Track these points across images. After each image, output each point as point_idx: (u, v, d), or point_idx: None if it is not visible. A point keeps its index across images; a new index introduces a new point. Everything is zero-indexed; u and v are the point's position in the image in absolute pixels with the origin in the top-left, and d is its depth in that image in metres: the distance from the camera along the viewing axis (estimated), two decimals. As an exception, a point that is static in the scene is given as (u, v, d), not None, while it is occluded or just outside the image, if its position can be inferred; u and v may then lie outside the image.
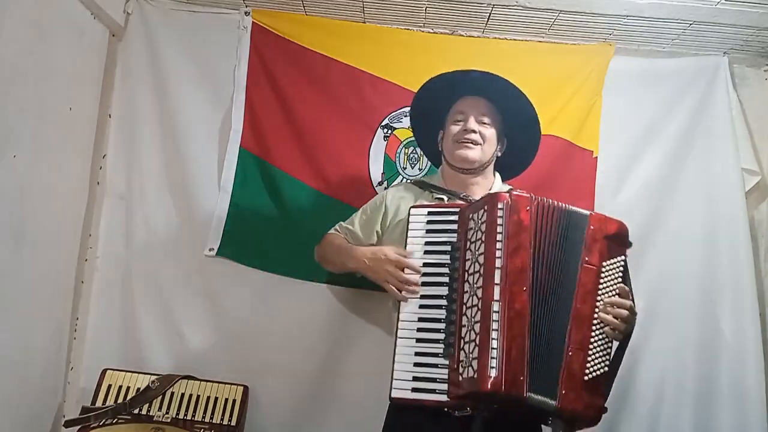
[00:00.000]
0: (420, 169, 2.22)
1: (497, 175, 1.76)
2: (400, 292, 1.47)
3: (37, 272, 1.86)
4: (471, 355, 1.31)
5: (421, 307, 1.44)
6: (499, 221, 1.36)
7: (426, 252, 1.48)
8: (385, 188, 2.19)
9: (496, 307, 1.31)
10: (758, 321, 2.12)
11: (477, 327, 1.32)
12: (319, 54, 2.22)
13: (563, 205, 1.45)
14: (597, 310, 1.38)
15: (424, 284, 1.45)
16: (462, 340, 1.35)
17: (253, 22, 2.22)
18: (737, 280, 2.14)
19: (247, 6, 2.22)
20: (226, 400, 1.97)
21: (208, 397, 1.97)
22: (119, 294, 2.17)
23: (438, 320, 1.40)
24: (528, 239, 1.36)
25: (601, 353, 1.37)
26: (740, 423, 2.06)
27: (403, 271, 1.48)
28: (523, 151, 1.79)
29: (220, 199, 2.17)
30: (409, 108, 2.21)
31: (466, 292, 1.38)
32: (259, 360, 2.13)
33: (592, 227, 1.42)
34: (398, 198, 1.74)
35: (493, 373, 1.26)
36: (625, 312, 1.41)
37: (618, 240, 1.46)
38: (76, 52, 1.97)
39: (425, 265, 1.48)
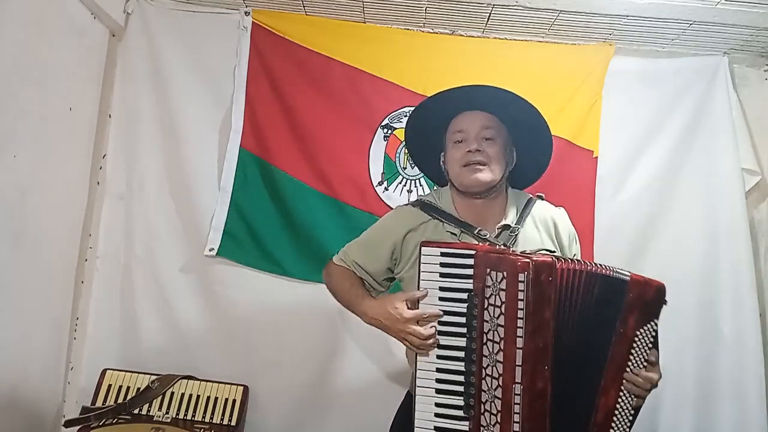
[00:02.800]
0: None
1: (510, 190, 1.59)
2: (420, 348, 1.37)
3: (37, 272, 1.86)
4: (492, 429, 1.27)
5: (439, 357, 1.36)
6: (520, 295, 1.25)
7: (441, 298, 1.37)
8: (385, 189, 2.20)
9: (517, 389, 1.24)
10: (758, 321, 2.12)
11: (497, 403, 1.26)
12: (319, 54, 2.22)
13: (599, 268, 1.32)
14: (624, 381, 1.30)
15: (440, 333, 1.36)
16: (483, 406, 1.29)
17: (253, 22, 2.22)
18: (737, 280, 2.14)
19: (247, 6, 2.22)
20: (226, 400, 1.97)
21: (208, 397, 1.97)
22: (119, 294, 2.17)
23: (457, 373, 1.34)
24: (550, 314, 1.25)
25: (622, 425, 1.31)
26: (740, 423, 2.06)
27: (420, 323, 1.37)
28: (536, 161, 1.62)
29: (220, 199, 2.17)
30: (408, 108, 2.21)
31: (486, 356, 1.31)
32: (259, 360, 2.13)
33: (631, 294, 1.31)
34: (407, 229, 1.55)
35: None
36: (649, 385, 1.32)
37: (655, 303, 1.34)
38: (76, 52, 1.97)
39: (441, 311, 1.38)
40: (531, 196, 1.61)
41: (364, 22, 2.27)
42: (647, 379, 1.31)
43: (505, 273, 1.28)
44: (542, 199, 1.62)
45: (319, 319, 2.15)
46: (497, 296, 1.29)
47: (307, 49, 2.22)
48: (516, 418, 1.24)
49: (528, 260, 1.26)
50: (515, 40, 2.27)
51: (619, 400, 1.31)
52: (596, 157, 2.20)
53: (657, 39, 2.22)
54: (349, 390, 2.14)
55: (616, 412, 1.30)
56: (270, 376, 2.12)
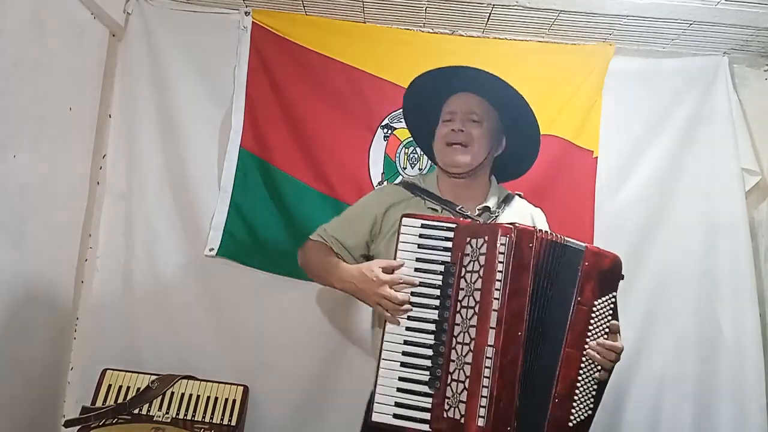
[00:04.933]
0: (420, 169, 2.22)
1: (493, 179, 1.64)
2: (392, 313, 1.35)
3: (37, 272, 1.86)
4: (458, 396, 1.24)
5: (408, 329, 1.33)
6: (500, 258, 1.26)
7: (417, 269, 1.36)
8: (385, 188, 2.20)
9: (489, 352, 1.23)
10: (758, 321, 2.12)
11: (467, 369, 1.25)
12: (319, 54, 2.22)
13: (560, 237, 1.34)
14: (585, 351, 1.31)
15: (412, 304, 1.34)
16: (450, 376, 1.27)
17: (253, 22, 2.22)
18: (737, 280, 2.14)
19: (247, 6, 2.22)
20: (226, 400, 1.97)
21: (208, 397, 1.97)
22: (119, 294, 2.17)
23: (425, 346, 1.31)
24: (528, 280, 1.27)
25: (586, 398, 1.31)
26: (740, 422, 2.06)
27: (395, 289, 1.35)
28: (521, 155, 1.66)
29: (220, 199, 2.17)
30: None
31: (458, 324, 1.30)
32: (259, 360, 2.13)
33: (586, 263, 1.32)
34: (389, 204, 1.57)
35: (480, 422, 1.21)
36: (613, 355, 1.33)
37: (612, 275, 1.35)
38: (76, 52, 1.97)
39: None
40: (510, 192, 1.66)
41: (364, 22, 2.27)
42: (610, 347, 1.32)
43: (486, 237, 1.30)
44: (521, 198, 1.67)
45: (319, 319, 2.15)
46: (476, 262, 1.30)
47: (307, 49, 2.22)
48: (485, 382, 1.23)
49: (511, 226, 1.30)
50: (515, 40, 2.27)
51: (581, 371, 1.31)
52: (596, 157, 2.20)
53: (657, 39, 2.22)
54: (349, 390, 2.13)
55: (578, 384, 1.30)
56: (270, 376, 2.12)
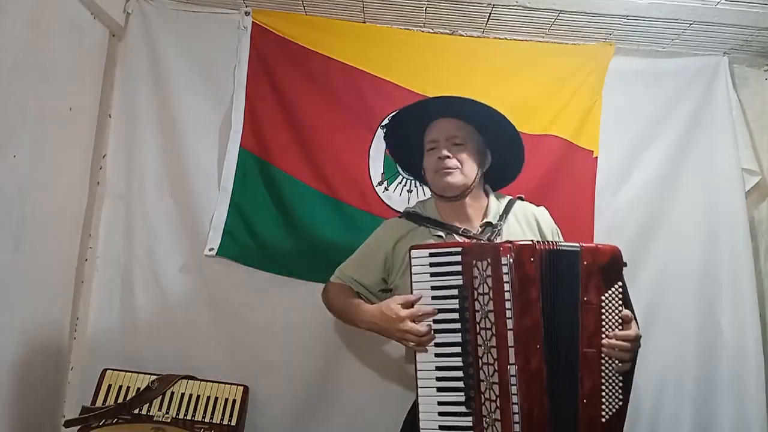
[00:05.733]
0: (420, 169, 2.21)
1: (491, 193, 1.67)
2: (418, 345, 1.40)
3: (37, 272, 1.86)
4: (493, 415, 1.30)
5: (437, 355, 1.39)
6: (505, 278, 1.32)
7: (434, 297, 1.41)
8: (385, 189, 2.20)
9: (512, 371, 1.29)
10: (758, 321, 2.12)
11: (496, 388, 1.30)
12: (319, 54, 2.22)
13: (553, 243, 1.39)
14: (603, 347, 1.34)
15: (436, 331, 1.39)
16: (482, 396, 1.33)
17: (253, 22, 2.22)
18: (737, 281, 2.14)
19: (247, 6, 2.22)
20: (226, 400, 1.97)
21: (208, 397, 1.97)
22: (119, 294, 2.17)
23: (456, 368, 1.37)
24: (536, 293, 1.33)
25: (613, 391, 1.34)
26: (740, 422, 2.07)
27: (415, 321, 1.40)
28: (508, 164, 1.69)
29: (220, 199, 2.17)
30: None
31: (480, 345, 1.35)
32: (259, 360, 2.13)
33: (585, 262, 1.35)
34: (396, 239, 1.63)
35: None
36: (628, 345, 1.36)
37: (613, 267, 1.38)
38: (76, 52, 1.97)
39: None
40: (511, 197, 1.69)
41: (364, 22, 2.26)
42: (624, 337, 1.35)
43: (489, 260, 1.35)
44: (522, 200, 1.70)
45: (319, 319, 2.13)
46: (485, 284, 1.35)
47: (307, 49, 2.22)
48: (514, 399, 1.28)
49: (509, 245, 1.35)
50: (515, 40, 2.27)
51: (603, 368, 1.34)
52: (596, 157, 2.20)
53: (657, 39, 2.22)
54: (349, 390, 2.14)
55: (603, 380, 1.33)
56: (270, 376, 2.12)
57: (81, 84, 2.03)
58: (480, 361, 1.34)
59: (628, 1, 1.98)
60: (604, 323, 1.35)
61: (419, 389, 1.38)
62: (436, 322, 1.40)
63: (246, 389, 2.01)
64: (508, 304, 1.32)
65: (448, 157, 1.57)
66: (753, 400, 2.06)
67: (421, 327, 1.39)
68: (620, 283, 1.38)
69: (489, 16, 2.15)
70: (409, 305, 1.43)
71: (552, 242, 1.40)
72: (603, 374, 1.34)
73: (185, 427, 1.89)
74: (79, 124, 2.04)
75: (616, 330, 1.36)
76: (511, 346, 1.30)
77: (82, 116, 2.05)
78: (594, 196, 2.19)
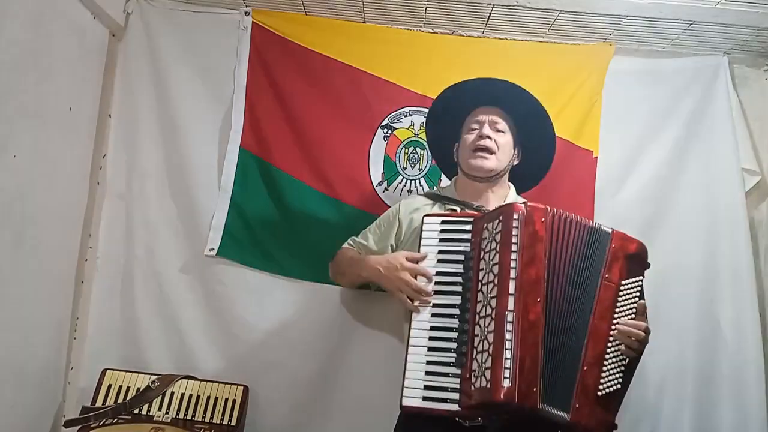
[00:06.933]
0: (420, 169, 2.22)
1: (512, 186, 1.75)
2: (413, 302, 1.45)
3: (37, 272, 1.86)
4: (484, 365, 1.29)
5: (434, 315, 1.42)
6: (514, 231, 1.35)
7: (439, 261, 1.46)
8: (385, 189, 2.20)
9: (509, 317, 1.29)
10: (758, 321, 2.12)
11: (490, 337, 1.30)
12: (319, 54, 2.22)
13: (585, 220, 1.44)
14: (614, 327, 1.37)
15: (436, 293, 1.43)
16: (475, 350, 1.34)
17: (253, 22, 2.22)
18: (737, 281, 2.14)
19: (247, 6, 2.22)
20: (226, 400, 1.97)
21: (208, 397, 1.97)
22: (119, 294, 2.17)
23: (450, 329, 1.38)
24: (543, 250, 1.35)
25: (615, 370, 1.36)
26: (740, 422, 2.06)
27: (416, 278, 1.45)
28: (537, 165, 1.80)
29: (220, 199, 2.17)
30: (408, 108, 2.22)
31: (480, 301, 1.37)
32: (259, 360, 2.13)
33: (613, 245, 1.42)
34: (411, 210, 1.72)
35: (506, 383, 1.25)
36: (641, 333, 1.39)
37: (638, 260, 1.44)
38: (76, 52, 1.97)
39: (438, 274, 1.46)
40: (525, 201, 1.73)
41: (364, 22, 2.26)
42: (636, 325, 1.39)
43: (500, 217, 1.39)
44: None
45: (319, 319, 2.15)
46: (493, 240, 1.39)
47: (307, 49, 2.22)
48: (507, 345, 1.28)
49: (522, 204, 1.41)
50: (515, 40, 2.27)
51: (609, 344, 1.37)
52: (596, 157, 2.20)
53: (657, 39, 2.22)
54: (350, 390, 2.13)
55: (607, 355, 1.36)
56: (270, 376, 2.12)
57: (81, 84, 2.03)
58: (477, 316, 1.36)
59: (628, 1, 1.98)
60: (619, 303, 1.39)
61: (409, 347, 1.40)
62: (438, 284, 1.44)
63: (246, 389, 2.01)
64: (513, 255, 1.34)
65: (489, 137, 1.65)
66: (753, 400, 2.05)
67: (419, 283, 1.44)
68: (641, 278, 1.43)
69: (489, 16, 2.15)
70: (413, 260, 1.49)
71: (583, 218, 1.44)
72: (608, 349, 1.36)
73: (185, 427, 1.89)
74: (79, 124, 2.04)
75: (630, 316, 1.40)
76: (511, 294, 1.31)
77: (82, 116, 2.05)
78: (594, 196, 2.19)
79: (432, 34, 2.27)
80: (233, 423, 1.93)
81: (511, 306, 1.30)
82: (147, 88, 2.21)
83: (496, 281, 1.34)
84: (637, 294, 1.42)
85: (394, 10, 2.16)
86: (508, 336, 1.28)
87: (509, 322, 1.29)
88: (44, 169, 1.84)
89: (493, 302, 1.33)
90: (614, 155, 2.22)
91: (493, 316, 1.31)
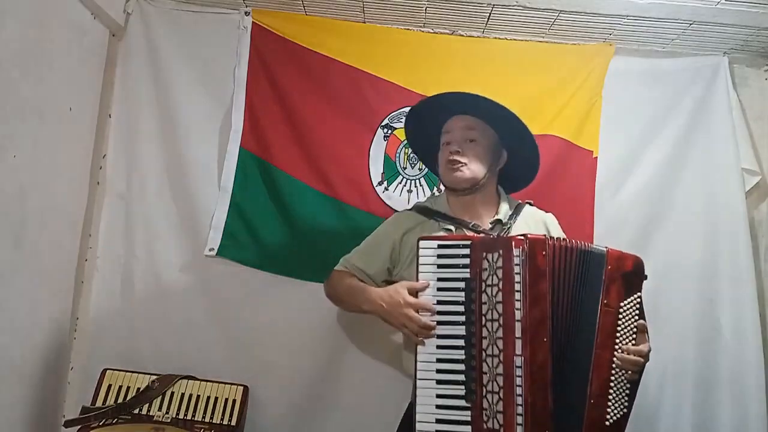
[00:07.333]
0: (420, 169, 2.22)
1: (502, 194, 1.70)
2: (417, 335, 1.42)
3: (37, 272, 1.86)
4: (495, 407, 1.29)
5: (439, 347, 1.39)
6: (516, 269, 1.33)
7: (439, 289, 1.42)
8: (385, 188, 2.20)
9: (518, 362, 1.29)
10: (758, 321, 2.12)
11: (500, 380, 1.30)
12: (319, 54, 2.22)
13: (580, 243, 1.40)
14: (616, 355, 1.36)
15: (439, 323, 1.40)
16: (484, 389, 1.33)
17: (253, 22, 2.22)
18: (737, 280, 2.14)
19: (247, 6, 2.22)
20: (226, 400, 1.97)
21: (208, 397, 1.97)
22: (119, 294, 2.17)
23: (457, 361, 1.37)
24: (546, 287, 1.33)
25: (620, 396, 1.36)
26: (740, 422, 2.06)
27: (418, 312, 1.42)
28: (525, 165, 1.72)
29: (220, 199, 2.17)
30: (408, 108, 2.22)
31: (485, 338, 1.35)
32: (259, 360, 2.13)
33: (609, 266, 1.37)
34: (404, 229, 1.66)
35: (519, 430, 1.26)
36: (642, 360, 1.38)
37: (635, 276, 1.41)
38: (76, 52, 1.97)
39: (439, 302, 1.43)
40: (521, 201, 1.72)
41: (364, 22, 2.26)
42: (637, 352, 1.37)
43: (500, 251, 1.35)
44: (531, 205, 1.73)
45: (319, 319, 2.14)
46: (494, 275, 1.36)
47: (307, 49, 2.22)
48: (518, 390, 1.28)
49: (522, 237, 1.36)
50: (515, 40, 2.27)
51: (613, 372, 1.35)
52: (596, 157, 2.20)
53: (657, 39, 2.22)
54: (350, 390, 2.14)
55: (612, 384, 1.35)
56: (270, 376, 2.12)
57: (81, 84, 2.03)
58: (484, 353, 1.34)
59: (628, 1, 1.98)
60: (619, 328, 1.36)
61: (418, 381, 1.38)
62: (440, 314, 1.41)
63: (246, 389, 2.01)
64: (517, 295, 1.32)
65: (458, 152, 1.60)
66: (753, 399, 2.06)
67: (424, 319, 1.41)
68: (639, 294, 1.39)
69: (489, 16, 2.15)
70: (414, 293, 1.45)
71: (577, 241, 1.40)
72: (612, 377, 1.35)
73: (185, 427, 1.89)
74: (79, 123, 2.04)
75: (631, 338, 1.37)
76: (518, 337, 1.30)
77: (82, 116, 2.05)
78: (594, 196, 2.19)
79: (432, 34, 2.27)
80: (233, 423, 1.93)
81: (518, 350, 1.29)
82: (147, 88, 2.21)
83: (501, 321, 1.32)
84: (637, 313, 1.39)
85: (394, 10, 2.16)
86: (518, 381, 1.28)
87: (518, 366, 1.29)
88: (44, 169, 1.84)
89: (500, 343, 1.31)
90: (614, 155, 2.22)
91: (501, 359, 1.30)
